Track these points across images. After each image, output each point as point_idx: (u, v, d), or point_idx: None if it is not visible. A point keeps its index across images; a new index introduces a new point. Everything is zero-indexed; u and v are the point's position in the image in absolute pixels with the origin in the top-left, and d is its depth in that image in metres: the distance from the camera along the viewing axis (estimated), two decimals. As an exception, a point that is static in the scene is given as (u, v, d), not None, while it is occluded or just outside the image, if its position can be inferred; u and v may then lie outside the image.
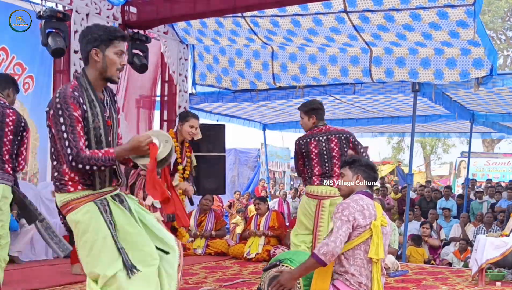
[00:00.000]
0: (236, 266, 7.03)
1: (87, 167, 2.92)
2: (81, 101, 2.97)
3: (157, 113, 9.82)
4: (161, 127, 9.52)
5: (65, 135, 2.90)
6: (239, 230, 11.14)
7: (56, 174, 3.03)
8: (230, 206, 13.92)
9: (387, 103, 10.94)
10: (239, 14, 7.80)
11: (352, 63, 8.29)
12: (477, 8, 6.42)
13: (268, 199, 14.38)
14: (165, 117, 9.48)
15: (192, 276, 6.24)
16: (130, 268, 2.98)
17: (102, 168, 2.97)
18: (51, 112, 2.95)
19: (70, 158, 2.89)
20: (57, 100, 2.94)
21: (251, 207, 11.06)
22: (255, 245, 7.59)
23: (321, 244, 3.24)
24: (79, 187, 3.00)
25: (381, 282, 3.35)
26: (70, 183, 2.99)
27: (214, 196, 12.45)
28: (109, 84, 3.20)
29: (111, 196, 3.09)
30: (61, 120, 2.91)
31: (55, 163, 3.05)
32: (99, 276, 2.98)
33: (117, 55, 3.07)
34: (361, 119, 13.30)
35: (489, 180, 17.36)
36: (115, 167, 3.12)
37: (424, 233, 9.11)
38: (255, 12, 7.67)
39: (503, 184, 15.45)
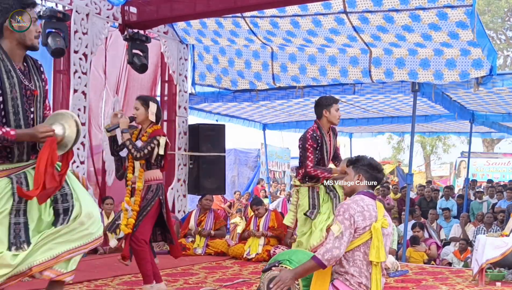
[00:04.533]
0: (236, 266, 7.03)
1: None
2: None
3: (157, 113, 9.80)
4: (161, 127, 9.51)
5: None
6: (239, 230, 11.14)
7: None
8: (230, 206, 13.92)
9: (387, 103, 10.95)
10: (239, 15, 7.81)
11: (351, 63, 8.29)
12: (473, 8, 6.45)
13: (268, 199, 14.45)
14: (165, 117, 9.48)
15: (192, 276, 6.24)
16: (17, 245, 2.96)
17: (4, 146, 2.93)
18: None
19: None
20: None
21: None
22: (254, 245, 7.59)
23: (325, 250, 3.22)
24: None
25: (380, 283, 3.34)
26: None
27: (219, 196, 12.51)
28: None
29: (33, 168, 3.04)
30: None
31: None
32: None
33: (32, 22, 3.06)
34: (361, 119, 13.30)
35: (490, 181, 17.35)
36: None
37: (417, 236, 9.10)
38: (254, 13, 7.68)
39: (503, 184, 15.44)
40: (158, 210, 5.02)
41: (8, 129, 2.93)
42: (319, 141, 5.33)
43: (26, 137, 2.98)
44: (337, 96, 10.24)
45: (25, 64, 3.10)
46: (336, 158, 5.68)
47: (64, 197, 3.16)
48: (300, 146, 5.43)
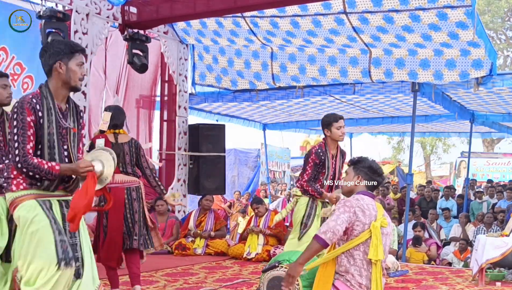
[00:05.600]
0: (236, 266, 7.03)
1: (30, 174, 3.13)
2: (38, 108, 3.19)
3: (157, 113, 9.83)
4: (161, 127, 9.53)
5: (15, 138, 3.13)
6: (240, 230, 11.13)
7: (5, 173, 3.22)
8: (230, 206, 13.91)
9: (387, 103, 10.94)
10: (239, 14, 7.81)
11: (351, 64, 8.29)
12: (473, 9, 6.45)
13: (268, 200, 14.44)
14: (165, 117, 9.49)
15: (192, 276, 6.24)
16: (66, 260, 3.09)
17: (43, 178, 3.16)
18: (11, 116, 3.20)
19: (17, 159, 3.11)
20: (16, 104, 3.19)
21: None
22: (254, 245, 7.59)
23: (322, 225, 3.28)
24: (21, 187, 3.17)
25: (381, 282, 3.35)
26: (14, 182, 3.17)
27: (219, 196, 12.50)
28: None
29: (58, 200, 3.25)
30: (15, 123, 3.15)
31: (7, 161, 3.26)
32: (38, 270, 3.06)
33: (78, 66, 3.32)
34: (361, 119, 13.30)
35: (489, 181, 17.34)
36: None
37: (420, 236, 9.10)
38: (254, 13, 7.67)
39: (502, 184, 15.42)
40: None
41: (53, 164, 3.17)
42: (322, 158, 5.45)
43: (68, 171, 3.22)
44: (337, 96, 10.35)
45: (66, 105, 3.37)
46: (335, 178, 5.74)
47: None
48: (304, 159, 5.58)
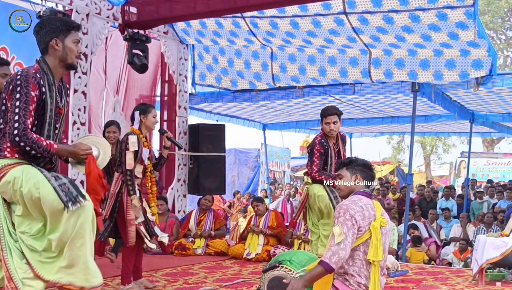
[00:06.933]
0: (236, 266, 7.04)
1: (27, 148, 3.05)
2: (41, 83, 3.14)
3: (157, 113, 9.81)
4: (161, 127, 9.52)
5: (16, 110, 3.05)
6: (241, 230, 11.12)
7: None
8: (230, 206, 13.92)
9: (387, 103, 10.95)
10: (239, 15, 7.80)
11: (351, 64, 8.29)
12: (476, 9, 6.45)
13: (268, 200, 14.44)
14: (165, 117, 9.49)
15: (192, 276, 6.24)
16: (72, 200, 3.08)
17: (39, 155, 3.10)
18: (10, 87, 3.11)
19: (16, 132, 3.03)
20: (18, 77, 3.11)
21: (251, 207, 11.04)
22: (254, 244, 7.60)
23: (331, 253, 3.21)
24: (16, 155, 3.14)
25: (379, 282, 3.35)
26: (8, 150, 3.13)
27: (218, 196, 12.52)
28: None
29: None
30: (18, 95, 3.07)
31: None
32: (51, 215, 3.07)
33: (75, 43, 3.29)
34: (361, 119, 13.31)
35: (490, 181, 17.35)
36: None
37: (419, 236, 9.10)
38: (254, 13, 7.67)
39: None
40: None
41: (51, 142, 3.15)
42: (325, 147, 5.64)
43: (65, 153, 3.23)
44: (337, 96, 10.35)
45: (60, 83, 3.34)
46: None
47: None
48: (309, 150, 5.76)
